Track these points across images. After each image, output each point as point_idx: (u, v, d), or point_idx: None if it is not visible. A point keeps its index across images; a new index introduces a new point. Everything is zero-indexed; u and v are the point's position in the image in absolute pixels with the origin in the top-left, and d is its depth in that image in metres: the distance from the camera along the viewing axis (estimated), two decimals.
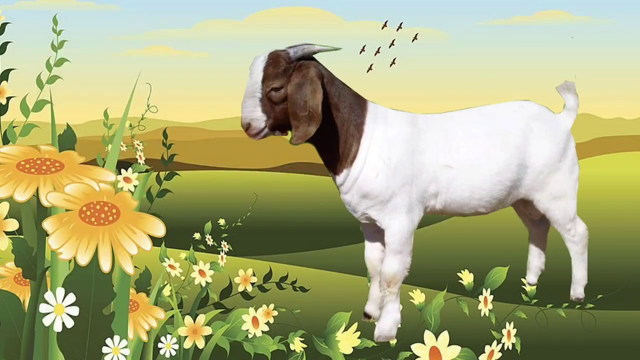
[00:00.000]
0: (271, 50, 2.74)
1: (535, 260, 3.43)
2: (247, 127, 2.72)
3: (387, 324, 2.88)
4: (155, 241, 1.86)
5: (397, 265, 2.86)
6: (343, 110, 2.79)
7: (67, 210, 1.82)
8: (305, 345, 2.75)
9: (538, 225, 3.42)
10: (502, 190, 3.01)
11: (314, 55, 2.82)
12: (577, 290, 3.28)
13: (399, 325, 2.85)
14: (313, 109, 2.66)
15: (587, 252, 3.27)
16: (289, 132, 2.79)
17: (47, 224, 1.78)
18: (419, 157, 2.87)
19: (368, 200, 2.87)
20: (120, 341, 1.91)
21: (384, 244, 2.96)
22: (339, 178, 2.88)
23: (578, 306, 2.98)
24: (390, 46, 4.75)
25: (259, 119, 2.70)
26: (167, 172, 3.48)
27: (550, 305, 2.96)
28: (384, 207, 2.85)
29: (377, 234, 3.01)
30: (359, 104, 2.83)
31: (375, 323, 2.95)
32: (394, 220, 2.85)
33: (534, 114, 3.09)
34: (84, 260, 1.77)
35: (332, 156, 2.83)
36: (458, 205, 3.00)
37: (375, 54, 4.75)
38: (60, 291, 1.83)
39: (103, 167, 2.02)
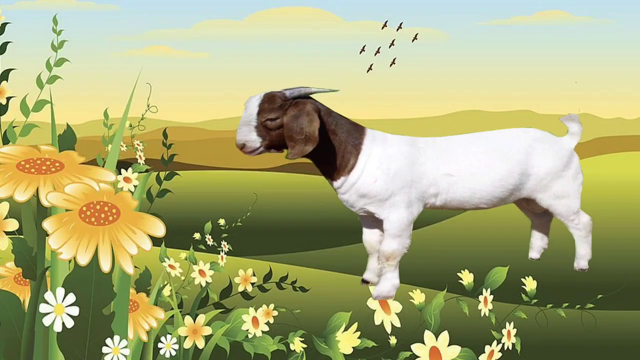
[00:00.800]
0: (266, 92, 2.88)
1: (538, 241, 3.56)
2: (241, 147, 2.87)
3: (386, 287, 3.00)
4: (155, 241, 1.86)
5: (396, 245, 2.99)
6: (340, 134, 2.94)
7: (67, 210, 1.83)
8: (305, 345, 2.75)
9: (540, 216, 3.53)
10: (504, 192, 3.14)
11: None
12: (581, 263, 3.40)
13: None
14: (309, 134, 2.81)
15: (591, 236, 3.39)
16: (285, 151, 2.94)
17: (47, 224, 1.79)
18: (419, 168, 3.00)
19: (366, 199, 3.00)
20: (120, 341, 1.92)
21: (382, 230, 3.07)
22: (337, 183, 3.02)
23: (578, 306, 2.98)
24: (390, 46, 4.75)
25: (254, 140, 2.86)
26: (167, 172, 3.48)
27: (550, 305, 2.96)
28: (383, 203, 2.98)
29: (374, 223, 3.13)
30: (357, 130, 2.99)
31: (373, 286, 3.04)
32: (393, 213, 2.98)
33: (537, 137, 3.25)
34: (84, 260, 1.77)
35: (329, 168, 2.99)
36: (459, 202, 3.12)
37: (375, 54, 4.75)
38: (60, 291, 1.83)
39: (103, 167, 2.02)
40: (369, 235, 3.18)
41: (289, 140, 2.85)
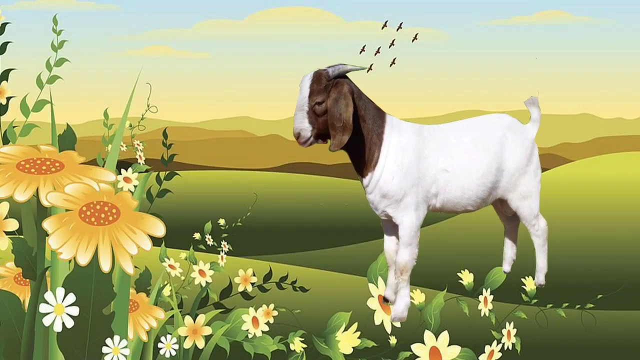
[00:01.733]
0: (315, 70, 3.18)
1: (509, 251, 3.73)
2: (297, 136, 3.15)
3: (401, 307, 3.16)
4: (155, 241, 1.86)
5: (408, 256, 3.20)
6: (368, 121, 3.23)
7: (67, 210, 1.82)
8: (305, 345, 2.75)
9: (511, 220, 3.71)
10: (484, 191, 3.36)
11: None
12: (540, 277, 3.52)
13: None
14: (346, 121, 3.11)
15: (547, 244, 3.53)
16: (328, 141, 3.20)
17: (47, 224, 1.79)
18: (424, 162, 3.27)
19: (386, 199, 3.22)
20: (120, 341, 1.92)
21: (398, 238, 3.29)
22: (365, 180, 3.26)
23: (578, 306, 2.99)
24: (390, 46, 4.75)
25: (307, 129, 3.12)
26: (167, 172, 3.49)
27: (550, 305, 2.96)
28: (398, 205, 3.22)
29: (393, 229, 3.33)
30: (380, 116, 3.27)
31: (391, 306, 3.18)
32: (406, 217, 3.21)
33: (508, 124, 3.50)
34: (84, 260, 1.77)
35: (360, 161, 3.25)
36: (452, 204, 3.33)
37: (375, 54, 4.75)
38: (60, 291, 1.83)
39: (103, 167, 2.02)
40: (388, 244, 3.39)
41: (331, 129, 3.12)
